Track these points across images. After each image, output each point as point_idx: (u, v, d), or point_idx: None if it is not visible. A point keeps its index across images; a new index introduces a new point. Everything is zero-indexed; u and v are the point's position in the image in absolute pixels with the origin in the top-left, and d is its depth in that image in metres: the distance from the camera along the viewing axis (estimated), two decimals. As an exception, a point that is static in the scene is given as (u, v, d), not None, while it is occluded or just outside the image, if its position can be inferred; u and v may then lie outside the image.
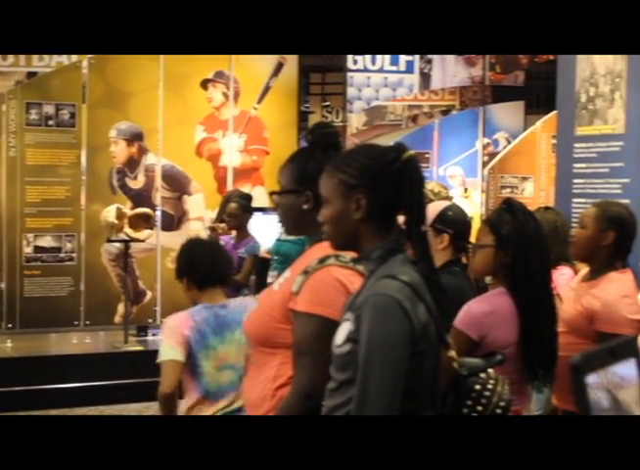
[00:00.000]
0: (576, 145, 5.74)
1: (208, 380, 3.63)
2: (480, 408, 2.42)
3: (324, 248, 2.49)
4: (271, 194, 2.88)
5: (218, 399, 3.63)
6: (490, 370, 2.55)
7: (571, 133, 5.78)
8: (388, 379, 2.13)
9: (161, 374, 3.59)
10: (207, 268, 3.76)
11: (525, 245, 3.14)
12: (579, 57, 5.67)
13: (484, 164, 11.14)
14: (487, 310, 3.14)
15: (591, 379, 1.03)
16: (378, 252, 2.28)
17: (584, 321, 3.64)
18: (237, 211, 7.07)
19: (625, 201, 5.31)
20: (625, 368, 1.08)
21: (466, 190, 11.24)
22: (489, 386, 2.46)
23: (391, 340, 2.14)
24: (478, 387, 2.42)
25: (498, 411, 2.45)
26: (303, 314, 2.49)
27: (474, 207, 10.57)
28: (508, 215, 3.21)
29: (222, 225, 7.32)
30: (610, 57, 5.45)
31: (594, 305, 3.64)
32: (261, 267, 6.90)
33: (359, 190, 2.28)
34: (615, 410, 1.05)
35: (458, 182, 11.46)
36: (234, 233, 7.18)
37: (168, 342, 3.62)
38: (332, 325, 2.39)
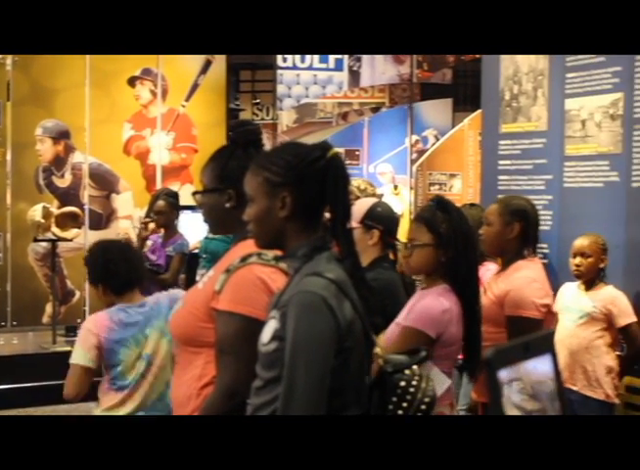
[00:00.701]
0: (501, 142, 5.81)
1: (125, 373, 3.61)
2: (405, 405, 2.43)
3: (248, 246, 2.49)
4: (194, 194, 2.86)
5: (133, 394, 3.60)
6: (415, 367, 2.56)
7: (496, 131, 5.84)
8: (314, 376, 2.14)
9: (67, 376, 3.58)
10: (125, 274, 3.70)
11: (464, 242, 3.18)
12: (503, 55, 5.74)
13: (414, 162, 11.23)
14: (443, 308, 3.13)
15: (504, 374, 1.04)
16: (304, 249, 2.29)
17: (497, 308, 3.73)
18: (164, 209, 7.00)
19: (549, 197, 5.41)
20: (540, 364, 1.09)
21: (396, 187, 11.30)
22: (414, 382, 2.47)
23: (317, 337, 2.15)
24: (402, 383, 2.43)
25: (423, 407, 2.46)
26: (225, 313, 2.48)
27: (403, 203, 10.65)
28: (442, 214, 3.22)
29: (151, 225, 7.26)
30: (532, 55, 5.53)
31: (505, 290, 3.73)
32: (191, 265, 6.86)
33: (284, 188, 2.28)
34: (527, 406, 1.06)
35: (388, 179, 11.52)
36: (162, 231, 7.12)
37: (81, 345, 3.60)
38: (253, 324, 2.39)
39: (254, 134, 2.84)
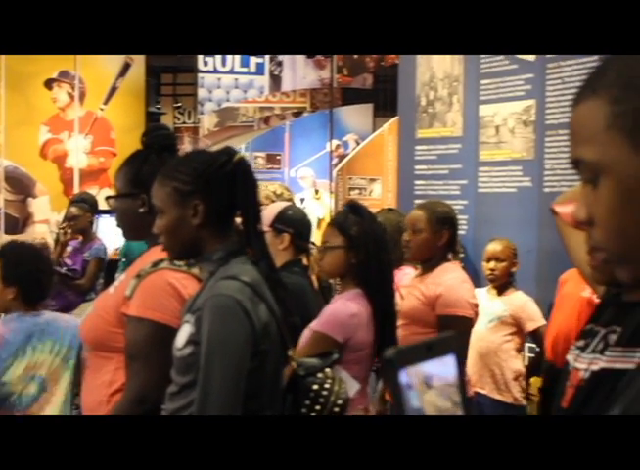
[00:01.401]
0: (417, 147, 5.87)
1: (10, 389, 3.42)
2: (318, 408, 2.45)
3: (160, 251, 2.47)
4: (107, 198, 2.84)
5: (20, 411, 3.47)
6: (327, 369, 2.58)
7: (413, 136, 5.90)
8: (230, 379, 2.14)
9: None
10: (44, 284, 3.57)
11: (375, 245, 3.20)
12: (419, 61, 5.80)
13: (335, 166, 11.25)
14: (352, 313, 3.14)
15: (405, 375, 1.04)
16: (219, 253, 2.29)
17: (426, 309, 3.77)
18: (78, 215, 6.91)
19: (464, 201, 5.48)
20: (442, 365, 1.10)
21: (317, 191, 11.33)
22: (327, 385, 2.49)
23: (232, 340, 2.15)
24: (315, 386, 2.46)
25: (336, 410, 2.49)
26: (134, 319, 2.46)
27: (324, 208, 10.67)
28: (354, 217, 3.26)
29: (68, 230, 7.15)
30: (448, 61, 5.59)
31: (436, 291, 3.77)
32: (110, 270, 6.77)
33: (194, 196, 2.28)
34: (428, 409, 1.07)
35: (309, 184, 11.54)
36: (80, 237, 7.02)
37: None
38: (163, 330, 2.39)
39: (169, 139, 2.83)
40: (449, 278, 3.82)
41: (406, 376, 1.01)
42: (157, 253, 2.52)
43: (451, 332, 1.17)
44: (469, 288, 3.86)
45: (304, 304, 3.50)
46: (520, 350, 4.63)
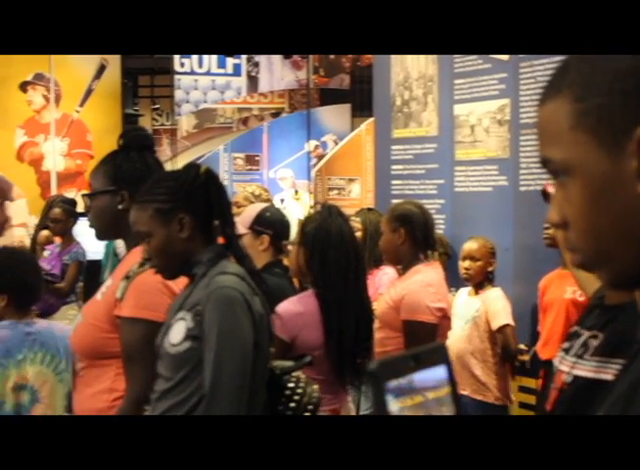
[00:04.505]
0: (393, 147, 5.87)
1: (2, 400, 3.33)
2: (292, 405, 2.48)
3: (139, 252, 2.49)
4: (84, 196, 2.83)
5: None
6: (298, 372, 2.59)
7: (388, 136, 5.91)
8: (240, 370, 2.23)
9: None
10: (37, 288, 3.49)
11: (322, 241, 3.22)
12: (393, 61, 5.80)
13: (314, 167, 11.26)
14: (296, 311, 3.17)
15: (391, 387, 1.01)
16: (209, 255, 2.37)
17: (393, 313, 3.74)
18: (61, 217, 6.87)
19: (441, 201, 5.49)
20: (431, 377, 1.07)
21: (296, 192, 11.33)
22: (301, 384, 2.52)
23: (241, 331, 2.25)
24: (291, 385, 2.50)
25: (310, 407, 2.51)
26: (129, 320, 2.48)
27: (304, 209, 10.66)
28: (316, 215, 3.33)
29: (46, 233, 7.12)
30: (422, 61, 5.60)
31: (400, 295, 3.75)
32: (89, 273, 6.74)
33: (177, 211, 2.37)
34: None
35: (289, 184, 11.54)
36: (58, 240, 6.99)
37: None
38: (158, 328, 2.41)
39: (147, 139, 2.89)
40: (413, 281, 3.75)
41: (391, 389, 0.97)
42: (140, 253, 2.52)
43: (439, 342, 1.14)
44: (432, 291, 3.72)
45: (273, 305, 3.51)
46: (496, 346, 4.61)
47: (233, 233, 2.45)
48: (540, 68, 4.78)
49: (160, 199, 2.38)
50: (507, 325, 4.51)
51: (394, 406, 0.97)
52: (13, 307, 3.41)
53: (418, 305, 3.68)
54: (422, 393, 1.00)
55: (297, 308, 3.19)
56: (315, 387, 2.56)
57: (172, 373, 2.29)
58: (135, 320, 2.47)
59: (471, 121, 5.26)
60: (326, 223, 3.27)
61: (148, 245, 2.40)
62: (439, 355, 1.05)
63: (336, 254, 3.23)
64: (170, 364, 2.30)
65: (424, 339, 3.57)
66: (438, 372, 1.03)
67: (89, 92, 9.22)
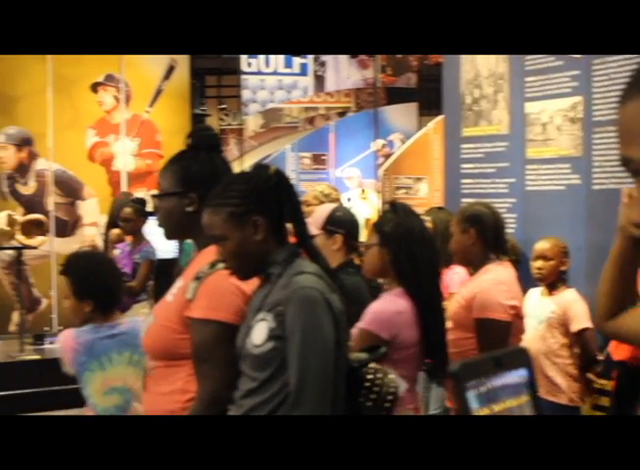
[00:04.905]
0: (463, 146, 5.83)
1: (95, 401, 3.42)
2: (373, 396, 2.49)
3: (213, 252, 2.49)
4: (153, 197, 2.84)
5: None
6: (374, 363, 2.60)
7: (458, 134, 5.87)
8: (325, 368, 2.25)
9: None
10: (117, 291, 3.55)
11: (406, 239, 3.22)
12: (463, 59, 5.77)
13: (380, 166, 11.24)
14: (396, 310, 3.17)
15: (472, 389, 1.01)
16: (283, 254, 2.39)
17: (465, 312, 3.72)
18: (132, 216, 6.97)
19: (511, 200, 5.44)
20: (511, 380, 1.06)
21: (363, 191, 11.31)
22: (379, 375, 2.53)
23: (322, 329, 2.27)
24: (370, 376, 2.50)
25: (389, 398, 2.53)
26: (200, 321, 2.48)
27: (372, 207, 10.64)
28: (390, 214, 3.31)
29: (117, 231, 7.22)
30: (492, 59, 5.55)
31: (472, 294, 3.73)
32: (159, 271, 6.82)
33: (251, 214, 2.38)
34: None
35: (355, 184, 11.54)
36: (128, 239, 7.09)
37: (62, 358, 3.44)
38: (229, 329, 2.43)
39: (216, 139, 2.88)
40: (485, 280, 3.75)
41: (473, 390, 0.97)
42: (209, 254, 2.53)
43: (522, 346, 1.12)
44: (505, 289, 3.71)
45: (361, 303, 3.51)
46: (572, 349, 4.55)
47: (305, 232, 2.47)
48: (613, 65, 4.71)
49: (233, 202, 2.39)
50: (587, 328, 4.45)
51: (476, 408, 0.97)
52: (98, 312, 3.46)
53: (490, 303, 3.65)
54: (503, 400, 0.99)
55: (396, 307, 3.18)
56: (392, 377, 2.57)
57: (257, 373, 2.33)
58: (207, 321, 2.47)
59: (542, 119, 5.20)
60: (405, 221, 3.27)
61: (222, 248, 2.41)
62: (521, 359, 1.03)
63: (422, 250, 3.24)
64: (254, 365, 2.33)
65: (496, 337, 3.55)
66: (519, 376, 1.02)
67: (159, 92, 9.31)
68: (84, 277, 3.45)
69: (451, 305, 3.81)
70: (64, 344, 3.46)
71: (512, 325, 3.67)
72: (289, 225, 2.48)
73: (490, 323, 3.64)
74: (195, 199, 2.65)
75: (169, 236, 2.86)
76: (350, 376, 2.44)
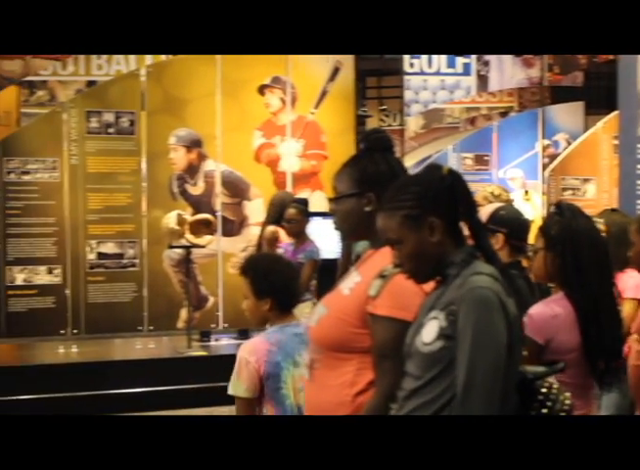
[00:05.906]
0: (639, 145, 5.66)
1: (291, 402, 3.44)
2: (545, 411, 2.43)
3: (390, 252, 2.49)
4: (331, 200, 2.88)
5: None
6: (551, 378, 2.55)
7: (634, 133, 5.70)
8: (494, 370, 2.22)
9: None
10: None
11: (573, 242, 3.14)
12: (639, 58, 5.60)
13: (545, 166, 11.03)
14: (551, 314, 3.12)
15: None
16: (461, 255, 2.37)
17: None
18: (297, 217, 7.08)
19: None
20: None
21: (526, 192, 11.14)
22: (554, 390, 2.46)
23: (495, 332, 2.23)
24: (544, 390, 2.44)
25: (562, 415, 2.45)
26: (385, 318, 2.51)
27: (535, 209, 10.47)
28: (557, 217, 3.24)
29: (272, 228, 7.32)
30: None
31: None
32: (322, 271, 6.90)
33: (427, 216, 2.36)
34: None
35: (518, 185, 11.36)
36: (286, 237, 7.19)
37: (236, 374, 3.44)
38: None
39: (390, 141, 2.89)
40: None
41: None
42: (387, 254, 2.53)
43: None
44: None
45: (521, 308, 3.46)
46: None
47: (481, 232, 2.43)
48: None
49: (407, 205, 2.38)
50: None
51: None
52: (276, 311, 3.51)
53: None
54: None
55: (552, 311, 3.12)
56: (567, 394, 2.50)
57: (423, 372, 2.31)
58: (392, 320, 2.49)
59: None
60: (572, 224, 3.18)
61: (398, 251, 2.41)
62: None
63: (589, 254, 3.15)
64: (422, 363, 2.31)
65: None
66: None
67: (324, 94, 9.38)
68: (264, 275, 3.52)
69: (628, 310, 3.70)
70: (255, 350, 3.45)
71: None
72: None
73: None
74: (372, 198, 2.68)
75: (347, 236, 2.90)
76: (523, 387, 2.39)
